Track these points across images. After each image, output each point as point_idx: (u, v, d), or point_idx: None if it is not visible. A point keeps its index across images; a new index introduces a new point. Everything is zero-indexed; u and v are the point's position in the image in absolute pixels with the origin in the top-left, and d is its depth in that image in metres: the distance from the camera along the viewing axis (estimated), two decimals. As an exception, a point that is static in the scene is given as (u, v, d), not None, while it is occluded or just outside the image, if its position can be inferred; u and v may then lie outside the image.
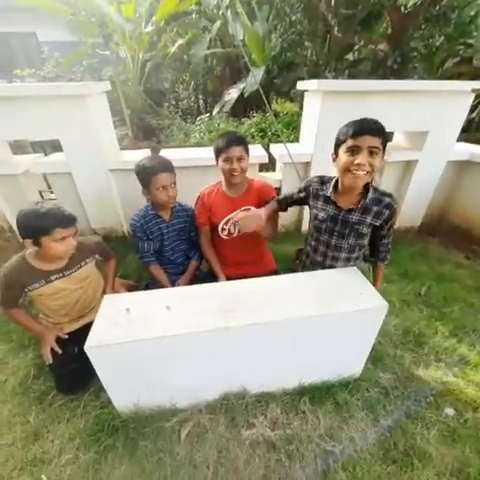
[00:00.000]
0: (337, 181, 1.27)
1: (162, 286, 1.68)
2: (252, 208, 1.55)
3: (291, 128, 4.91)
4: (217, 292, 1.20)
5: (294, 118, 5.23)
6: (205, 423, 1.24)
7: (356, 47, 6.32)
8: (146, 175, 1.48)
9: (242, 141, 1.46)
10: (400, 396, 1.36)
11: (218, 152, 1.47)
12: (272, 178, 2.48)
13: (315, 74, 6.05)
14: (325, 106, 2.07)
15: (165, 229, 1.65)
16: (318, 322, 1.10)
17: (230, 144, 1.42)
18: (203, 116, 5.83)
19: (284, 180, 2.43)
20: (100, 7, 5.25)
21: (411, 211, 2.68)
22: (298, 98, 7.60)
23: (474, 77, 5.09)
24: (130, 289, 1.84)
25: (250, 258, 1.74)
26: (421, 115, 2.24)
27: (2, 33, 8.46)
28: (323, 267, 1.39)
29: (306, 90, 2.30)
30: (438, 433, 1.23)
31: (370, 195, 1.20)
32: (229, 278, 1.64)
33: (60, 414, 1.32)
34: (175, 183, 1.56)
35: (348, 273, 1.28)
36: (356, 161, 1.07)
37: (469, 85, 2.15)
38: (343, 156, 1.12)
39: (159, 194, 1.51)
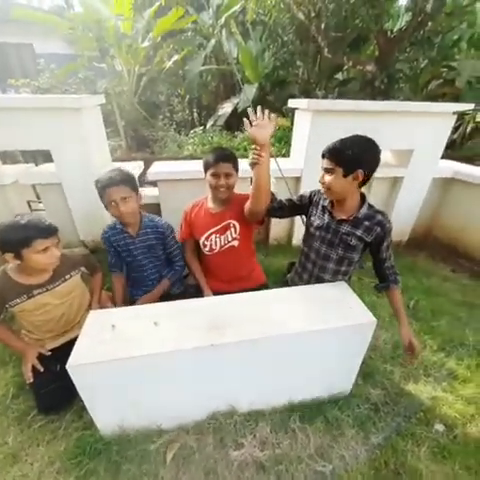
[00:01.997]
0: None
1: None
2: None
3: (283, 142, 5.04)
4: (206, 307, 1.19)
5: (286, 133, 5.37)
6: (192, 444, 1.20)
7: (345, 67, 6.61)
8: (100, 189, 1.43)
9: (231, 158, 1.47)
10: (390, 412, 1.35)
11: (207, 166, 1.48)
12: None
13: (306, 91, 6.28)
14: (314, 124, 2.14)
15: (132, 245, 1.59)
16: (307, 338, 1.10)
17: (219, 160, 1.43)
18: (197, 129, 5.92)
19: (275, 195, 2.46)
20: (98, 23, 5.38)
21: (399, 226, 2.75)
22: (289, 114, 7.85)
23: (456, 98, 5.38)
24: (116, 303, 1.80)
25: (237, 273, 1.70)
26: (407, 134, 2.34)
27: (-2, 43, 8.52)
28: (311, 276, 1.44)
29: (297, 108, 2.38)
30: (428, 450, 1.22)
31: (363, 210, 1.26)
32: (216, 293, 1.61)
33: (40, 436, 1.26)
34: (129, 198, 1.44)
35: (337, 288, 1.29)
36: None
37: (453, 107, 2.26)
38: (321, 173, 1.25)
39: (111, 209, 1.45)
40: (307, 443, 1.22)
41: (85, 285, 1.58)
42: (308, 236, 1.44)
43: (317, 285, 1.32)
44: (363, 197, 1.29)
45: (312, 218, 1.40)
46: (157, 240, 1.63)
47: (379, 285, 1.37)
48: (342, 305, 1.16)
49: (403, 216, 2.70)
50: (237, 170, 1.51)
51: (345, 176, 1.16)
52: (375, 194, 2.65)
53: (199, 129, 5.89)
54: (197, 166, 2.35)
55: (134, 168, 2.43)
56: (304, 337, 1.09)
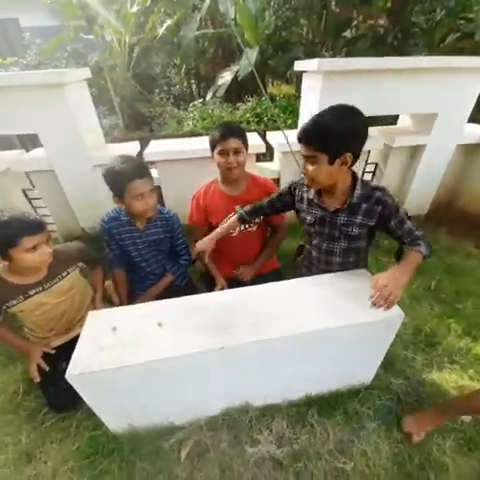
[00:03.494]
0: None
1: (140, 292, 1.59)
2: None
3: (288, 112, 4.69)
4: (213, 303, 1.08)
5: (291, 101, 5.00)
6: (206, 441, 1.16)
7: (354, 23, 5.97)
8: (119, 182, 1.25)
9: (240, 132, 1.34)
10: (413, 403, 1.28)
11: (213, 144, 1.35)
12: (270, 169, 2.32)
13: (311, 53, 5.72)
14: (326, 88, 1.90)
15: (138, 239, 1.45)
16: (326, 336, 0.99)
17: (225, 136, 1.30)
18: (196, 102, 5.57)
19: (282, 171, 2.27)
20: (80, -14, 4.89)
21: (418, 199, 2.55)
22: (294, 80, 7.29)
23: (475, 53, 4.83)
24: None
25: (251, 258, 1.63)
26: (429, 95, 2.07)
27: (-20, 19, 7.97)
28: (318, 272, 1.28)
29: (305, 71, 2.12)
30: (454, 443, 1.16)
31: (357, 192, 1.05)
32: (228, 279, 1.56)
33: (53, 434, 1.24)
34: (153, 190, 1.34)
35: (359, 276, 1.16)
36: None
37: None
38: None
39: (136, 203, 1.29)
40: (326, 438, 1.17)
41: (85, 280, 1.50)
42: (305, 233, 1.29)
43: (336, 274, 1.19)
44: (354, 176, 1.08)
45: (302, 214, 1.23)
46: (165, 233, 1.50)
47: (397, 253, 1.12)
48: (364, 296, 1.04)
49: (422, 188, 2.50)
50: (247, 146, 1.37)
51: (331, 163, 0.95)
52: (392, 166, 2.43)
53: (198, 102, 5.54)
54: (197, 143, 2.19)
55: (129, 149, 2.25)
56: (324, 335, 0.99)
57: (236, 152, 1.33)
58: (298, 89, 6.61)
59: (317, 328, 0.97)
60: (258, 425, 1.19)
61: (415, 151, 2.36)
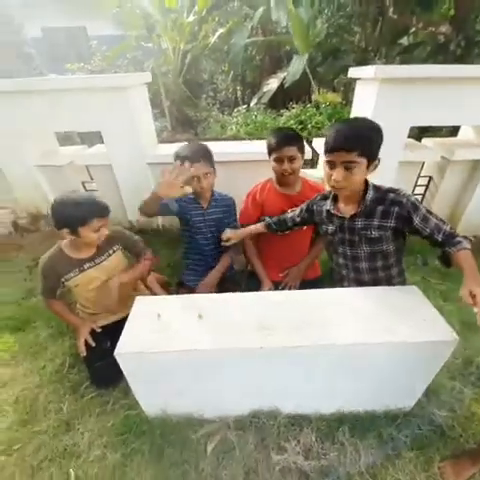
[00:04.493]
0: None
1: (193, 284, 1.67)
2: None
3: (334, 120, 4.59)
4: (255, 303, 1.10)
5: (337, 109, 4.89)
6: (232, 439, 1.16)
7: (412, 30, 5.70)
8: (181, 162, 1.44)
9: (296, 139, 1.38)
10: (457, 438, 1.17)
11: (270, 150, 1.42)
12: (314, 176, 2.29)
13: (363, 61, 5.57)
14: (382, 95, 1.83)
15: (201, 216, 1.61)
16: (369, 351, 0.95)
17: (282, 143, 1.36)
18: (240, 108, 5.69)
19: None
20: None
21: (477, 217, 2.33)
22: (341, 88, 7.13)
23: None
24: (163, 285, 1.81)
25: (296, 260, 1.64)
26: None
27: (55, 28, 8.96)
28: (349, 280, 1.30)
29: (359, 78, 2.07)
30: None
31: (370, 196, 1.09)
32: (273, 282, 1.59)
33: (91, 407, 1.33)
34: (210, 173, 1.49)
35: (408, 294, 1.10)
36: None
37: None
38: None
39: (192, 184, 1.46)
40: (357, 459, 1.11)
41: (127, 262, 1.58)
42: (329, 243, 1.33)
43: (384, 288, 1.14)
44: (366, 182, 1.12)
45: (323, 227, 1.29)
46: (224, 213, 1.64)
47: (441, 254, 1.06)
48: (414, 315, 0.98)
49: (481, 207, 2.28)
50: (303, 151, 1.41)
51: (368, 167, 1.01)
52: (449, 181, 2.26)
53: (243, 108, 5.65)
54: (240, 147, 2.24)
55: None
56: (366, 350, 0.95)
57: (291, 159, 1.38)
58: (345, 97, 6.46)
59: (358, 342, 0.93)
60: (286, 433, 1.17)
61: (477, 165, 2.18)
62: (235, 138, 4.54)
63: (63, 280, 1.34)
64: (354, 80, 2.13)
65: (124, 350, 0.93)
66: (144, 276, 1.58)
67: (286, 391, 1.13)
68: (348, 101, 6.06)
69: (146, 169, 2.23)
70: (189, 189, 1.34)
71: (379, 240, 1.13)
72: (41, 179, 2.37)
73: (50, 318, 1.77)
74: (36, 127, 2.21)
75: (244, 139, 4.28)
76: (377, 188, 1.12)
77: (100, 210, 1.22)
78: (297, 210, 1.41)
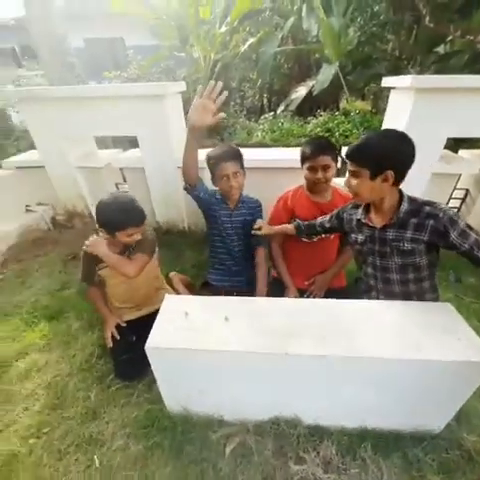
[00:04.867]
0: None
1: (219, 284, 1.70)
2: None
3: (363, 128, 4.52)
4: (282, 309, 1.11)
5: (366, 118, 4.81)
6: (251, 444, 1.17)
7: (449, 38, 5.50)
8: (213, 162, 1.50)
9: (330, 149, 1.40)
10: (489, 467, 1.09)
11: (303, 159, 1.44)
12: (341, 184, 2.27)
13: (396, 69, 5.45)
14: (418, 105, 1.79)
15: (229, 217, 1.64)
16: (398, 367, 0.92)
17: (316, 153, 1.38)
18: (267, 115, 5.75)
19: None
20: (180, 10, 5.54)
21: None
22: (371, 96, 7.00)
23: None
24: (187, 286, 1.86)
25: (322, 269, 1.64)
26: None
27: (96, 39, 9.62)
28: (377, 291, 1.28)
29: (393, 87, 2.04)
30: None
31: (404, 207, 1.09)
32: (298, 290, 1.60)
33: (116, 398, 1.39)
34: (239, 173, 1.52)
35: (442, 311, 1.06)
36: None
37: None
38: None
39: (221, 182, 1.51)
40: (379, 477, 1.07)
41: (158, 268, 1.65)
42: (358, 253, 1.32)
43: (416, 303, 1.11)
44: (401, 193, 1.12)
45: (353, 235, 1.29)
46: (251, 215, 1.66)
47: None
48: (447, 333, 0.94)
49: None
50: (336, 160, 1.43)
51: (372, 179, 1.03)
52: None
53: (269, 115, 5.71)
54: (266, 154, 2.27)
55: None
56: (396, 366, 0.92)
57: (325, 168, 1.40)
58: (375, 105, 6.34)
59: (388, 356, 0.91)
60: (305, 443, 1.16)
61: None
62: (260, 145, 4.59)
63: (97, 268, 1.43)
64: (386, 88, 2.10)
65: (154, 344, 0.97)
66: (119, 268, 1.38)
67: (308, 401, 1.12)
68: (378, 109, 5.95)
69: (176, 173, 2.32)
70: (223, 114, 1.27)
71: (411, 253, 1.11)
72: (80, 179, 2.54)
73: (81, 310, 1.87)
74: (78, 131, 2.38)
75: (269, 146, 4.33)
76: (412, 200, 1.10)
77: (137, 220, 1.30)
78: (327, 216, 1.42)
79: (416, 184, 1.76)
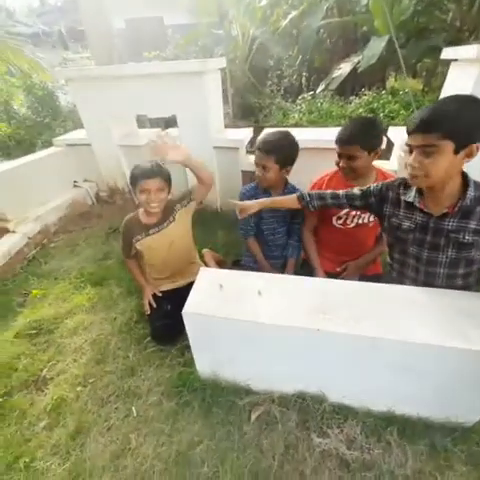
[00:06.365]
0: None
1: (254, 265, 1.71)
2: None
3: (411, 109, 4.14)
4: (314, 287, 1.11)
5: (417, 97, 4.39)
6: (276, 414, 1.22)
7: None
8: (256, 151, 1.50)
9: (360, 136, 1.26)
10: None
11: (335, 141, 1.35)
12: (385, 168, 2.13)
13: (455, 41, 4.84)
14: (483, 79, 1.60)
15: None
16: (437, 354, 0.89)
17: (342, 140, 1.30)
18: (305, 95, 5.49)
19: (400, 172, 2.06)
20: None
21: None
22: (423, 73, 6.33)
23: None
24: (218, 263, 1.92)
25: (359, 254, 1.58)
26: None
27: (136, 19, 9.67)
28: (416, 284, 1.13)
29: (454, 59, 1.82)
30: None
31: (470, 193, 0.92)
32: (329, 274, 1.54)
33: (151, 359, 1.51)
34: (269, 167, 1.45)
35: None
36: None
37: None
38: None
39: (257, 172, 1.54)
40: (404, 462, 1.07)
41: (191, 238, 1.70)
42: (396, 240, 1.14)
43: (460, 292, 1.04)
44: (464, 176, 0.95)
45: (393, 219, 1.11)
46: None
47: None
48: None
49: None
50: (370, 147, 1.27)
51: (456, 153, 0.84)
52: None
53: (308, 95, 5.44)
54: (317, 134, 2.18)
55: (243, 134, 2.43)
56: (433, 351, 0.89)
57: (350, 158, 1.29)
58: (427, 83, 5.74)
59: (427, 342, 0.88)
60: (330, 420, 1.18)
61: None
62: (296, 126, 4.42)
63: (134, 241, 1.53)
64: (442, 64, 1.89)
65: (192, 310, 1.03)
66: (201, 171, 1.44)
67: (335, 379, 1.13)
68: (430, 88, 5.38)
69: (212, 152, 2.34)
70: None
71: (470, 246, 0.97)
72: (121, 157, 2.66)
73: (121, 279, 2.03)
74: (121, 110, 2.47)
75: (306, 127, 4.15)
76: (478, 185, 0.95)
77: (147, 172, 1.33)
78: (356, 191, 1.22)
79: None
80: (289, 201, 1.39)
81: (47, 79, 4.48)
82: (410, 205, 1.05)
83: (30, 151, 3.16)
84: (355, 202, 1.24)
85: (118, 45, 6.53)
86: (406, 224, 1.07)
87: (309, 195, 1.34)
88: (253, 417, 1.22)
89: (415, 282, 1.15)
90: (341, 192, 1.27)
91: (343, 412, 1.19)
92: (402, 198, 1.09)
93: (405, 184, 1.09)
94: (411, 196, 1.05)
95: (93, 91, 2.43)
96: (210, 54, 6.23)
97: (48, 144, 3.25)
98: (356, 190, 1.23)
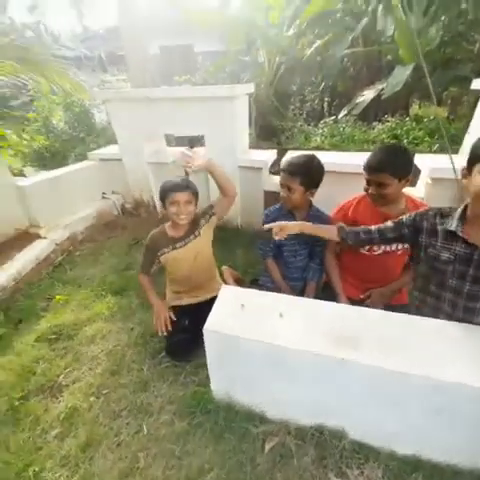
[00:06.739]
0: (465, 210, 0.98)
1: (272, 285, 1.69)
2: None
3: (436, 136, 4.11)
4: (339, 313, 1.08)
5: (444, 124, 4.35)
6: (291, 446, 1.15)
7: None
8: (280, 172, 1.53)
9: (390, 164, 1.25)
10: None
11: (363, 168, 1.35)
12: (413, 195, 2.09)
13: (483, 72, 4.85)
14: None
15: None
16: (471, 396, 0.83)
17: (371, 169, 1.29)
18: (328, 119, 5.59)
19: (428, 199, 2.01)
20: (250, 15, 5.73)
21: None
22: (449, 101, 6.31)
23: None
24: (236, 281, 1.92)
25: (385, 283, 1.51)
26: None
27: (169, 46, 10.46)
28: (451, 320, 1.06)
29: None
30: None
31: None
32: (352, 301, 1.47)
33: (165, 374, 1.50)
34: (294, 188, 1.46)
35: None
36: None
37: None
38: (478, 177, 0.88)
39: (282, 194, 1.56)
40: (432, 514, 0.97)
41: (212, 257, 1.71)
42: (433, 272, 1.08)
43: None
44: None
45: (430, 250, 1.06)
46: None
47: None
48: None
49: None
50: (398, 175, 1.25)
51: None
52: None
53: (330, 119, 5.54)
54: (331, 158, 2.19)
55: (268, 156, 2.49)
56: (466, 391, 0.83)
57: (380, 185, 1.28)
58: (452, 111, 5.70)
59: (461, 381, 0.82)
60: (349, 459, 1.10)
61: None
62: (319, 149, 4.47)
63: (159, 254, 1.55)
64: (468, 93, 1.88)
65: (212, 328, 1.03)
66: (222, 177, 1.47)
67: (357, 414, 1.07)
68: (456, 116, 5.34)
69: (237, 171, 2.40)
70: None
71: None
72: (149, 173, 2.79)
73: (140, 290, 2.05)
74: (152, 129, 2.62)
75: (328, 150, 4.19)
76: None
77: (175, 185, 1.40)
78: (389, 224, 1.19)
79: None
80: (328, 232, 1.33)
81: (86, 98, 4.85)
82: (449, 235, 1.01)
83: (63, 163, 3.38)
84: (388, 235, 1.20)
85: (152, 69, 7.02)
86: (445, 255, 1.02)
87: (348, 229, 1.30)
88: (267, 448, 1.16)
89: (450, 318, 1.07)
90: (373, 227, 1.24)
91: (364, 451, 1.11)
92: (439, 228, 1.04)
93: (441, 214, 1.06)
94: (453, 225, 0.99)
95: (127, 111, 2.60)
96: (237, 79, 6.56)
97: (81, 157, 3.47)
98: (389, 223, 1.20)
